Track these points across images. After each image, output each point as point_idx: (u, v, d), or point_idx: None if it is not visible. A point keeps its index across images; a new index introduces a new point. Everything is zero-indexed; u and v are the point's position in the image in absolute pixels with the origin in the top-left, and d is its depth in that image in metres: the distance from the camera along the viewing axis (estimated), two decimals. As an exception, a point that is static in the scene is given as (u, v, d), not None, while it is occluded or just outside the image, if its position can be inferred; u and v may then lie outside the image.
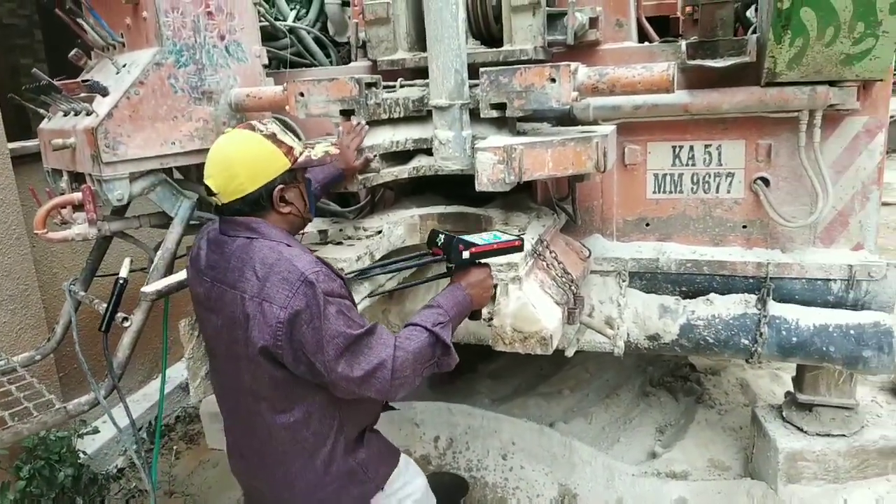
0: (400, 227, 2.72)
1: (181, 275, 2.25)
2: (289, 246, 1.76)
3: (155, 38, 2.60)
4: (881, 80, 2.48)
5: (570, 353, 2.71)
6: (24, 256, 3.33)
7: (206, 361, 1.98)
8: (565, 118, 2.84)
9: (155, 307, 2.57)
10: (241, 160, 1.76)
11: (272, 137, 1.81)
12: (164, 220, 2.84)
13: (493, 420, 3.66)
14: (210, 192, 1.82)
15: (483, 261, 1.97)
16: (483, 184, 2.24)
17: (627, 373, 4.22)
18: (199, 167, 2.96)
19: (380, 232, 2.62)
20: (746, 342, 2.75)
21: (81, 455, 3.48)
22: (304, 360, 1.66)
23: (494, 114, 2.34)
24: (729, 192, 2.85)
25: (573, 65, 2.20)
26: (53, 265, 3.68)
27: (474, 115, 2.45)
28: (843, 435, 2.89)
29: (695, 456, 3.47)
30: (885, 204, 7.78)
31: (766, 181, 2.78)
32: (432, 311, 1.82)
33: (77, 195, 2.59)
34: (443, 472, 3.15)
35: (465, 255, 1.92)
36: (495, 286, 2.07)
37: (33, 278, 3.38)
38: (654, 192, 2.95)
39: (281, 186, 1.80)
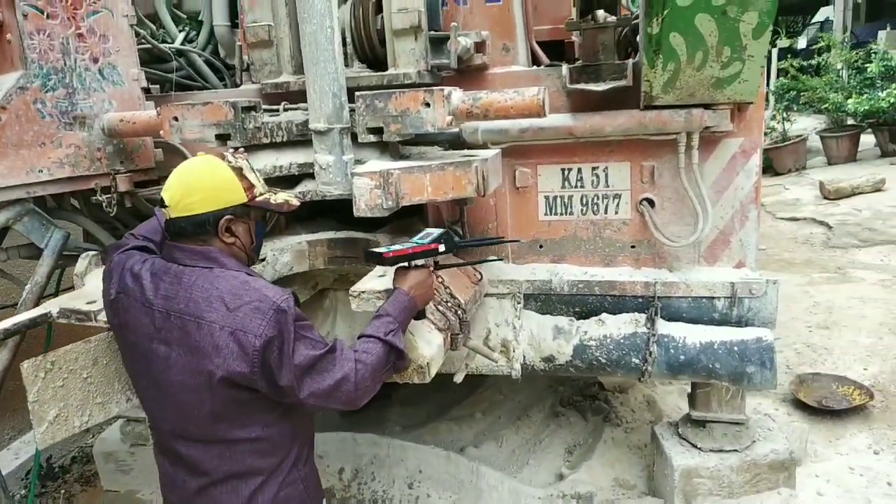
0: (287, 253, 2.65)
1: (33, 312, 2.12)
2: (250, 275, 1.83)
3: (20, 60, 2.47)
4: (752, 103, 2.56)
5: (458, 378, 2.67)
6: None
7: (54, 405, 1.85)
8: (456, 141, 2.84)
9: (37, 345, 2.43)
10: (200, 181, 1.82)
11: (238, 171, 1.86)
12: (36, 252, 2.69)
13: (400, 448, 3.59)
14: (163, 204, 1.84)
15: (420, 262, 2.08)
16: (361, 209, 2.20)
17: (539, 393, 4.22)
18: (77, 195, 2.84)
19: (263, 259, 2.54)
20: (637, 361, 2.78)
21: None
22: (274, 383, 1.73)
23: (372, 138, 2.31)
24: (617, 213, 2.89)
25: (447, 89, 2.19)
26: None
27: (357, 139, 2.41)
28: (735, 450, 2.94)
29: (601, 476, 3.47)
30: (793, 219, 8.16)
31: (651, 202, 2.83)
32: (382, 320, 1.91)
33: (-67, 226, 2.43)
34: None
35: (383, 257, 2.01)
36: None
37: None
38: (546, 214, 2.97)
39: (230, 217, 1.84)
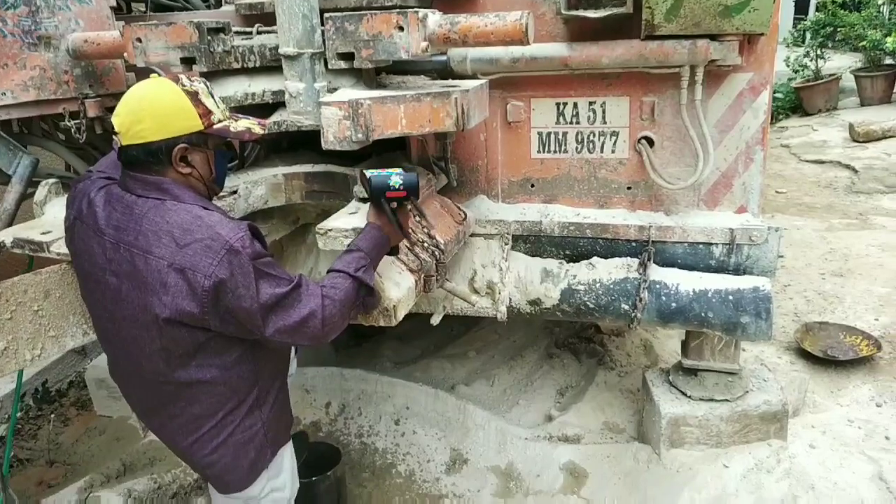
0: (261, 186, 2.54)
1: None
2: (206, 209, 1.72)
3: (-24, -26, 2.32)
4: (763, 34, 2.34)
5: (435, 320, 2.59)
6: None
7: (2, 337, 1.80)
8: (444, 71, 2.66)
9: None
10: (150, 107, 1.70)
11: (192, 95, 1.74)
12: (5, 178, 2.60)
13: (388, 384, 3.57)
14: (113, 131, 1.74)
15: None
16: (329, 141, 2.06)
17: (535, 334, 4.16)
18: (46, 119, 2.74)
19: (234, 192, 2.43)
20: (626, 307, 2.67)
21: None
22: (233, 323, 1.69)
23: (343, 64, 2.15)
24: (613, 151, 2.72)
25: (422, 11, 2.02)
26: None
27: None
28: (726, 400, 2.85)
29: (590, 419, 3.42)
30: (818, 161, 7.85)
31: (650, 141, 2.66)
32: (353, 255, 1.84)
33: None
34: (318, 441, 3.04)
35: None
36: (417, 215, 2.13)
37: None
38: (539, 152, 2.80)
39: (184, 146, 1.73)
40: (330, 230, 2.08)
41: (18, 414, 3.94)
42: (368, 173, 1.94)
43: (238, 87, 2.40)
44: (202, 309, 1.66)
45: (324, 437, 3.41)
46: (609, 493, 2.91)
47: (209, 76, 2.33)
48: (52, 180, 2.23)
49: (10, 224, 2.51)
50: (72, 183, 1.99)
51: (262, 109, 2.48)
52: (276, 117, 2.45)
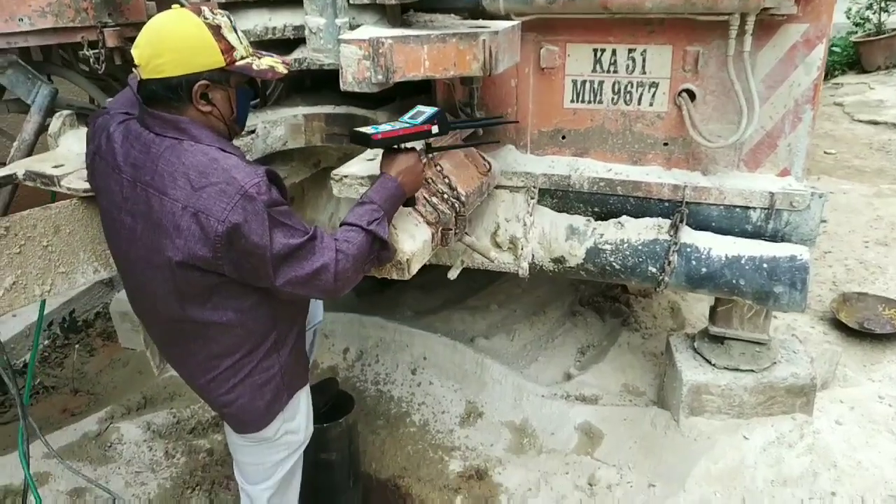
0: (280, 126, 2.46)
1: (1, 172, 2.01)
2: (223, 151, 1.67)
3: None
4: (824, -19, 2.15)
5: (452, 274, 2.52)
6: None
7: (11, 272, 1.77)
8: (476, 10, 2.51)
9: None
10: (170, 41, 1.63)
11: (215, 29, 1.66)
12: (27, 108, 2.56)
13: (406, 334, 3.54)
14: (133, 63, 1.68)
15: (409, 144, 1.90)
16: (348, 82, 1.96)
17: (559, 290, 4.07)
18: (66, 48, 2.67)
19: (252, 132, 2.35)
20: (654, 270, 2.55)
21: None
22: (247, 268, 1.65)
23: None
24: (651, 104, 2.56)
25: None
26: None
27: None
28: (752, 370, 2.75)
29: (610, 380, 3.36)
30: (872, 122, 7.47)
31: (691, 94, 2.49)
32: (365, 207, 1.78)
33: (-87, 75, 2.31)
34: (329, 379, 3.04)
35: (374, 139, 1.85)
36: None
37: None
38: (572, 101, 2.65)
39: (205, 83, 1.67)
40: (345, 177, 2.00)
41: (46, 342, 4.03)
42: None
43: (259, 21, 2.30)
44: (215, 254, 1.62)
45: (341, 381, 3.41)
46: (623, 456, 2.85)
47: (229, 7, 2.24)
48: (66, 112, 2.17)
49: (29, 155, 2.48)
50: (90, 117, 1.94)
51: (282, 45, 2.38)
52: (297, 54, 2.35)
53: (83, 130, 2.08)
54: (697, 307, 3.94)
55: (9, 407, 3.50)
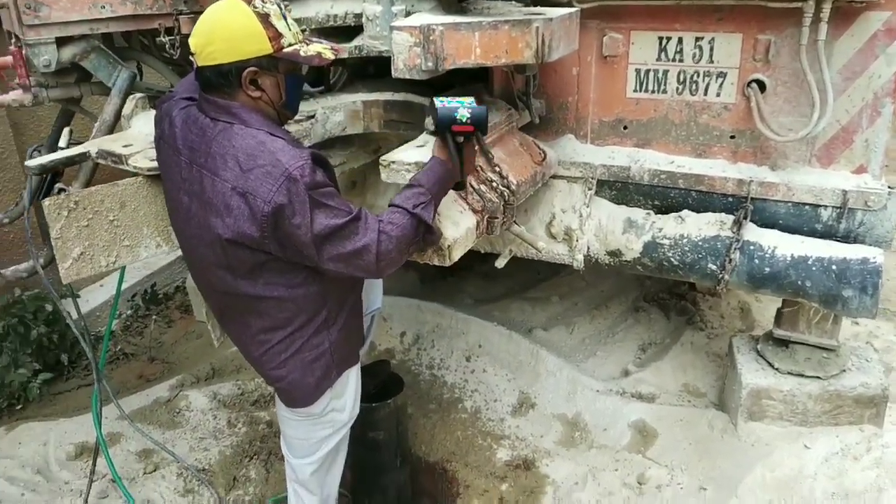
0: (339, 112, 2.52)
1: (73, 150, 2.15)
2: (271, 135, 1.73)
3: None
4: (910, -35, 2.00)
5: (500, 263, 2.50)
6: (1, 119, 3.33)
7: (79, 243, 1.91)
8: (538, -2, 2.48)
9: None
10: (222, 29, 1.71)
11: (264, 17, 1.72)
12: (108, 90, 2.73)
13: (463, 321, 3.56)
14: (190, 52, 1.77)
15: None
16: (399, 69, 1.98)
17: (624, 285, 3.98)
18: (146, 34, 2.82)
19: (312, 117, 2.42)
20: (714, 268, 2.46)
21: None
22: (291, 248, 1.71)
23: (420, -14, 2.04)
24: (719, 95, 2.46)
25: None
26: (30, 128, 3.67)
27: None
28: (818, 377, 2.61)
29: (669, 379, 3.27)
30: None
31: (761, 85, 2.37)
32: (413, 191, 1.80)
33: (7, 59, 2.50)
34: (381, 361, 3.10)
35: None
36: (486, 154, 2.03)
37: (10, 142, 3.40)
38: (636, 91, 2.58)
39: (254, 69, 1.73)
40: (393, 162, 2.03)
41: (129, 312, 4.29)
42: (438, 102, 1.85)
43: (320, 8, 2.35)
44: (262, 233, 1.69)
45: (396, 364, 3.47)
46: (676, 457, 2.78)
47: (290, -5, 2.29)
48: (138, 95, 2.30)
49: (109, 134, 2.64)
50: (157, 101, 2.05)
51: (344, 32, 2.42)
52: (357, 41, 2.39)
53: (153, 113, 2.20)
54: (770, 309, 3.75)
55: (91, 370, 3.75)
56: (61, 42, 2.45)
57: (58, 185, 2.42)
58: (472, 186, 2.07)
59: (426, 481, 2.98)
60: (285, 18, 1.77)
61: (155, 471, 2.93)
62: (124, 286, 4.31)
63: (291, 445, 2.22)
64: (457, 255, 1.95)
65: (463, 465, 2.96)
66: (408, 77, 1.99)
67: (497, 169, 2.20)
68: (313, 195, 1.66)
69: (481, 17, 2.01)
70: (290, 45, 1.76)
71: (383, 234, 1.72)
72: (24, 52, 2.46)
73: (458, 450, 3.04)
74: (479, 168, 2.15)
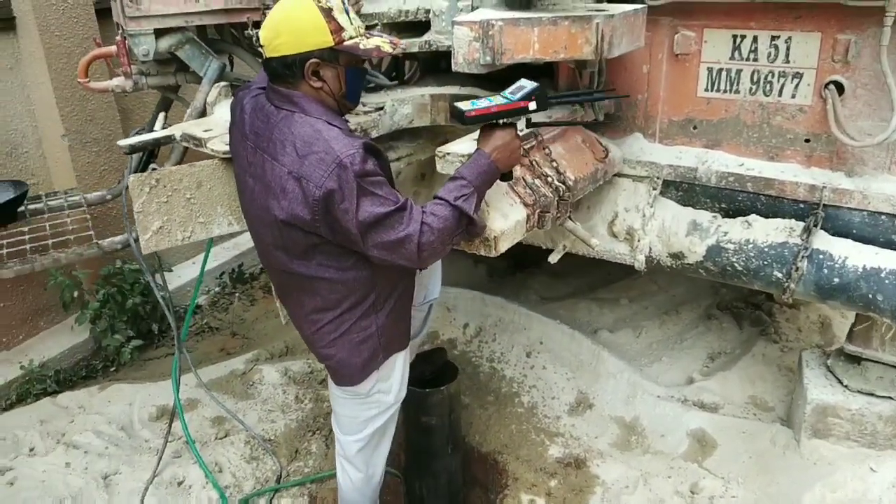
0: (407, 105, 2.60)
1: (159, 133, 2.34)
2: (329, 124, 1.82)
3: None
4: None
5: (553, 258, 2.51)
6: (109, 104, 3.63)
7: (158, 217, 2.08)
8: (610, -5, 2.47)
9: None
10: (287, 22, 1.81)
11: (326, 12, 1.81)
12: (200, 79, 2.93)
13: (525, 317, 3.58)
14: (260, 44, 1.89)
15: (507, 120, 1.89)
16: (459, 63, 2.06)
17: (697, 291, 3.87)
18: (236, 27, 3.00)
19: (381, 108, 2.52)
20: (779, 275, 2.38)
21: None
22: (339, 232, 1.80)
23: (484, -18, 2.09)
24: (794, 96, 2.37)
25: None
26: (136, 111, 3.97)
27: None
28: (891, 398, 2.47)
29: (735, 390, 3.16)
30: None
31: (840, 86, 2.27)
32: (456, 183, 1.84)
33: (113, 48, 2.74)
34: (438, 349, 3.17)
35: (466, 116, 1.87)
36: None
37: (117, 124, 3.70)
38: (707, 90, 2.52)
39: (316, 61, 1.82)
40: (448, 154, 2.09)
41: (217, 289, 4.57)
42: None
43: (393, 4, 2.45)
44: (313, 217, 1.78)
45: (457, 355, 3.53)
46: (733, 469, 2.69)
47: (366, -9, 2.40)
48: (223, 83, 2.48)
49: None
50: (235, 90, 2.20)
51: (415, 27, 2.51)
52: (426, 37, 2.47)
53: (233, 100, 2.36)
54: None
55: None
56: (159, 33, 2.66)
57: (151, 165, 2.64)
58: (524, 180, 2.10)
59: (477, 470, 3.03)
60: (347, 13, 1.85)
61: (225, 437, 3.12)
62: (215, 265, 4.64)
63: (340, 422, 2.33)
64: (503, 246, 1.99)
65: (514, 458, 2.99)
66: (467, 71, 2.05)
67: (554, 164, 2.22)
68: (361, 183, 1.73)
69: (542, 13, 2.03)
70: (350, 38, 1.84)
71: (425, 224, 1.78)
72: (126, 42, 2.69)
73: (511, 443, 3.07)
74: (535, 162, 2.18)
